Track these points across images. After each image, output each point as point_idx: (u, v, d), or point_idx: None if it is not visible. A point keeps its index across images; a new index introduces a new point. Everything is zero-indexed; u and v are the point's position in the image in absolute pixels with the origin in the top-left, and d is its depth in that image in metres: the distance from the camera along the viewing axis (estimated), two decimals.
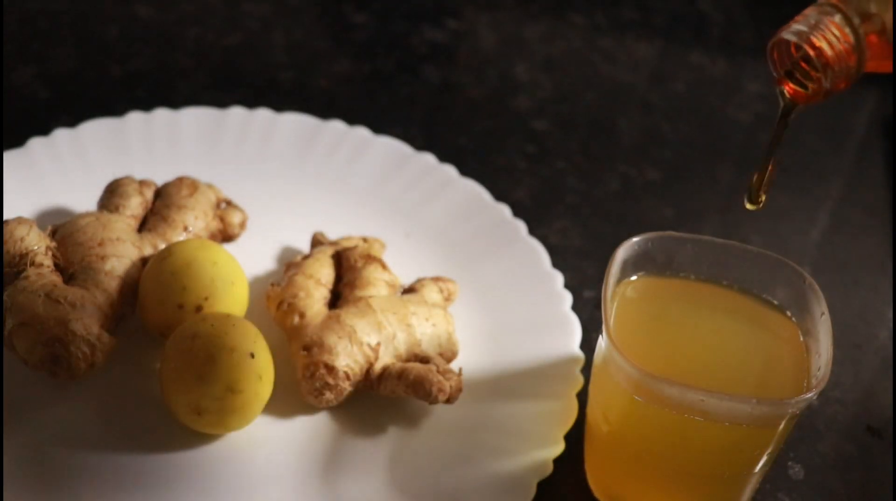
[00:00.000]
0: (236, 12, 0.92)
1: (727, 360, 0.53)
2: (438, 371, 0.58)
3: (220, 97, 0.82)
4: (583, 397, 0.58)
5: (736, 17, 1.00)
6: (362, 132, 0.77)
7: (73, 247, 0.60)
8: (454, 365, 0.61)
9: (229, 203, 0.68)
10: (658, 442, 0.52)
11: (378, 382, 0.59)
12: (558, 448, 0.57)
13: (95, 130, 0.74)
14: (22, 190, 0.69)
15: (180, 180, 0.66)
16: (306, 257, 0.64)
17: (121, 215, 0.63)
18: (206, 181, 0.68)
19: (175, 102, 0.79)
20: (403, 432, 0.59)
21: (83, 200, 0.68)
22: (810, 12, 0.49)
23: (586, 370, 0.60)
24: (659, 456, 0.53)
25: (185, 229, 0.64)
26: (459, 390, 0.58)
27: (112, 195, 0.65)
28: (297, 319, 0.60)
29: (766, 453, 0.51)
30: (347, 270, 0.64)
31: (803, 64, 0.50)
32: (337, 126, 0.77)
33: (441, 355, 0.60)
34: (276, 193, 0.73)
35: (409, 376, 0.57)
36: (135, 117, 0.75)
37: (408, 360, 0.60)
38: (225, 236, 0.67)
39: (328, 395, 0.58)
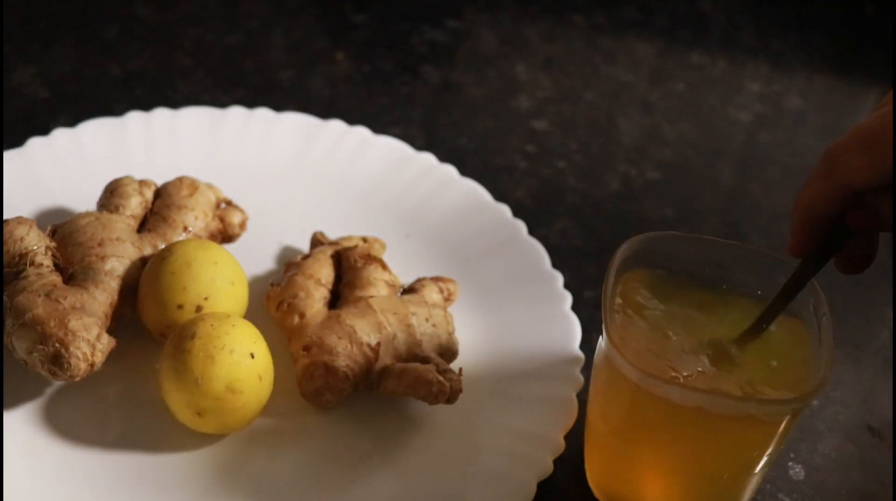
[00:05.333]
0: (236, 12, 0.92)
1: (727, 360, 0.53)
2: (438, 371, 0.58)
3: (220, 97, 0.82)
4: (583, 397, 0.58)
5: (736, 17, 1.00)
6: (362, 132, 0.77)
7: (73, 247, 0.60)
8: (454, 365, 0.61)
9: (229, 203, 0.68)
10: (658, 442, 0.52)
11: (378, 382, 0.59)
12: (558, 448, 0.57)
13: (95, 129, 0.74)
14: (22, 190, 0.69)
15: (180, 180, 0.66)
16: (306, 257, 0.64)
17: (121, 215, 0.63)
18: (206, 181, 0.68)
19: (175, 102, 0.79)
20: (403, 432, 0.59)
21: (83, 200, 0.68)
22: None
23: (586, 370, 0.60)
24: (659, 456, 0.53)
25: (185, 229, 0.64)
26: (459, 390, 0.58)
27: (112, 195, 0.65)
28: (297, 319, 0.60)
29: (767, 453, 0.51)
30: (347, 270, 0.64)
31: None
32: (337, 126, 0.77)
33: (441, 355, 0.60)
34: (276, 193, 0.73)
35: (409, 376, 0.57)
36: (134, 117, 0.75)
37: (408, 360, 0.60)
38: (225, 236, 0.67)
39: (328, 395, 0.58)
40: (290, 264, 0.64)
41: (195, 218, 0.65)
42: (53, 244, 0.60)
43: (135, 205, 0.65)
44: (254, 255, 0.67)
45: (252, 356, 0.55)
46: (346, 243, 0.66)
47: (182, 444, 0.57)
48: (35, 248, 0.59)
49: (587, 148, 0.83)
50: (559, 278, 0.67)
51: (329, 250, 0.65)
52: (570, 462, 0.58)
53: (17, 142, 0.72)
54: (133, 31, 0.89)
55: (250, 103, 0.79)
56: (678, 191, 0.80)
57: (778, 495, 0.59)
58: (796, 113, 0.90)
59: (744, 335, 0.52)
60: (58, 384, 0.59)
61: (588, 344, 0.63)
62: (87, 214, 0.63)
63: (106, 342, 0.56)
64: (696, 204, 0.79)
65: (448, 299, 0.64)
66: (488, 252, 0.69)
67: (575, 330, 0.64)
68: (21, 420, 0.57)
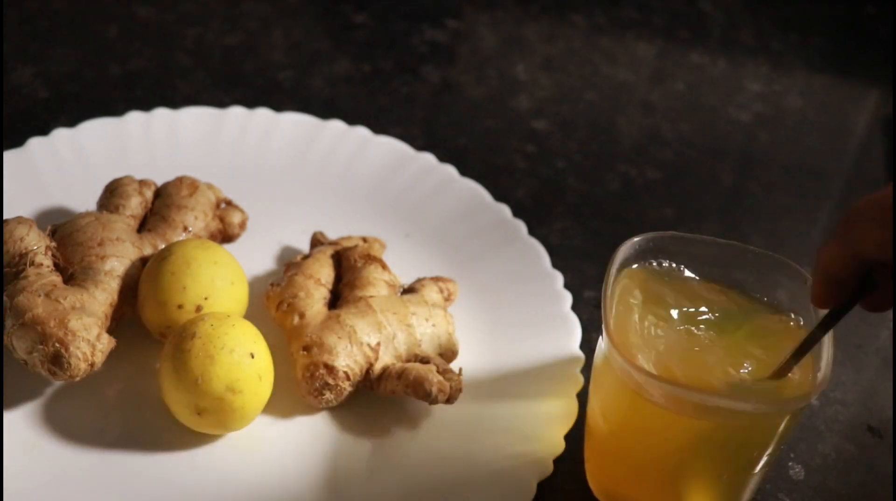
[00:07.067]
0: (236, 12, 0.92)
1: (727, 360, 0.53)
2: (438, 371, 0.58)
3: (219, 97, 0.82)
4: (583, 397, 0.58)
5: (736, 17, 1.00)
6: (362, 132, 0.77)
7: (73, 247, 0.60)
8: (454, 365, 0.61)
9: (229, 203, 0.68)
10: (658, 442, 0.52)
11: (378, 382, 0.59)
12: (558, 448, 0.57)
13: (95, 129, 0.74)
14: (22, 190, 0.69)
15: (180, 180, 0.66)
16: (306, 257, 0.64)
17: (121, 215, 0.63)
18: (206, 181, 0.68)
19: (175, 102, 0.79)
20: (403, 432, 0.59)
21: (83, 200, 0.68)
22: None
23: (586, 370, 0.60)
24: (659, 456, 0.53)
25: (185, 229, 0.64)
26: (459, 390, 0.58)
27: (112, 195, 0.65)
28: (296, 319, 0.60)
29: (767, 453, 0.51)
30: (347, 270, 0.64)
31: None
32: (337, 126, 0.77)
33: (441, 355, 0.60)
34: (276, 193, 0.73)
35: (409, 376, 0.57)
36: (134, 117, 0.75)
37: (408, 360, 0.60)
38: (225, 236, 0.67)
39: (328, 395, 0.58)
40: (290, 264, 0.64)
41: (195, 218, 0.65)
42: (53, 244, 0.60)
43: (135, 205, 0.65)
44: (254, 255, 0.67)
45: (252, 356, 0.55)
46: (346, 243, 0.66)
47: (182, 444, 0.57)
48: (35, 248, 0.59)
49: (587, 148, 0.83)
50: (559, 278, 0.67)
51: (329, 250, 0.65)
52: (570, 462, 0.58)
53: (17, 142, 0.72)
54: (133, 31, 0.89)
55: (250, 103, 0.79)
56: (678, 191, 0.80)
57: (778, 495, 0.59)
58: (796, 113, 0.90)
59: (769, 378, 0.51)
60: (58, 384, 0.59)
61: (588, 344, 0.63)
62: (87, 214, 0.63)
63: (106, 342, 0.56)
64: (696, 204, 0.79)
65: (448, 299, 0.64)
66: (488, 252, 0.69)
67: (575, 330, 0.64)
68: (21, 420, 0.57)
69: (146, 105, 0.78)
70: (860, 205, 0.46)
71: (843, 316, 0.49)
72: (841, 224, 0.47)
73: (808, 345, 0.50)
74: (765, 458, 0.51)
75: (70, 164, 0.72)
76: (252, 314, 0.61)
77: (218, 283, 0.59)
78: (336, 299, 0.63)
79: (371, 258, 0.63)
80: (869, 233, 0.45)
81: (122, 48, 0.87)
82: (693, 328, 0.53)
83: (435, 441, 0.58)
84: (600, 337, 0.53)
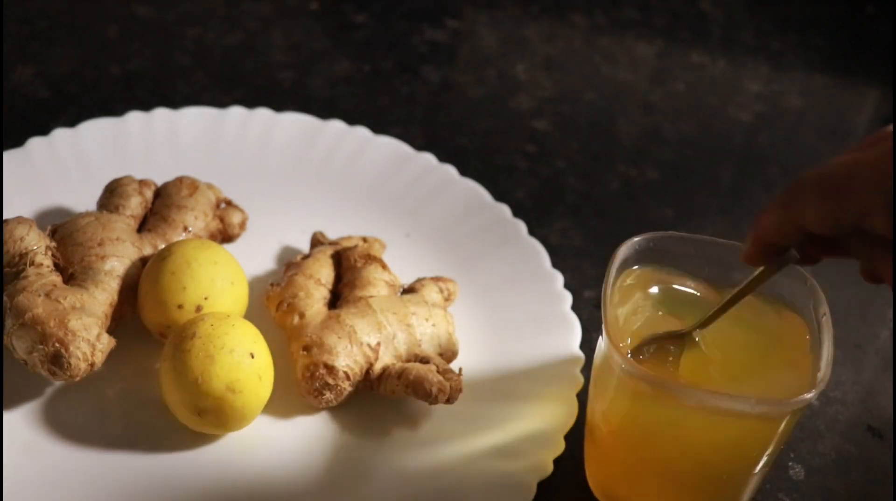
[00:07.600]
0: (236, 12, 0.92)
1: (727, 360, 0.53)
2: (438, 371, 0.58)
3: (219, 97, 0.82)
4: (583, 397, 0.58)
5: (736, 17, 1.00)
6: (362, 132, 0.77)
7: (73, 247, 0.60)
8: (454, 365, 0.61)
9: (229, 203, 0.68)
10: (658, 442, 0.52)
11: (378, 382, 0.59)
12: (558, 448, 0.57)
13: (95, 129, 0.74)
14: (22, 190, 0.69)
15: (180, 180, 0.66)
16: (306, 257, 0.64)
17: (120, 215, 0.63)
18: (206, 181, 0.68)
19: (174, 102, 0.79)
20: (403, 432, 0.59)
21: (83, 200, 0.68)
22: None
23: (586, 370, 0.60)
24: (659, 456, 0.53)
25: (185, 229, 0.64)
26: (459, 390, 0.58)
27: (112, 195, 0.65)
28: (296, 319, 0.60)
29: (767, 453, 0.51)
30: (347, 270, 0.64)
31: None
32: (337, 126, 0.77)
33: (441, 355, 0.60)
34: (276, 193, 0.73)
35: (409, 376, 0.57)
36: (134, 117, 0.75)
37: (408, 360, 0.60)
38: (225, 236, 0.67)
39: (328, 395, 0.58)
40: (290, 264, 0.64)
41: (195, 218, 0.65)
42: (53, 244, 0.60)
43: (135, 205, 0.65)
44: (254, 255, 0.67)
45: (252, 356, 0.55)
46: (346, 243, 0.66)
47: (182, 444, 0.57)
48: (35, 248, 0.59)
49: (587, 148, 0.83)
50: (559, 278, 0.67)
51: (329, 250, 0.65)
52: (570, 462, 0.58)
53: (17, 142, 0.72)
54: (133, 31, 0.89)
55: (250, 103, 0.79)
56: (678, 191, 0.80)
57: (778, 494, 0.59)
58: (796, 113, 0.90)
59: (693, 327, 0.53)
60: (58, 384, 0.59)
61: (588, 344, 0.63)
62: (87, 214, 0.63)
63: (106, 342, 0.56)
64: (696, 204, 0.79)
65: (448, 299, 0.64)
66: (488, 252, 0.69)
67: (575, 330, 0.64)
68: (21, 420, 0.57)
69: (146, 105, 0.78)
70: (806, 176, 0.45)
71: (771, 276, 0.50)
72: (785, 190, 0.46)
73: (731, 303, 0.52)
74: (765, 458, 0.51)
75: (70, 164, 0.72)
76: (252, 314, 0.61)
77: (218, 283, 0.59)
78: (336, 299, 0.63)
79: (371, 258, 0.63)
80: (811, 204, 0.45)
81: (122, 48, 0.87)
82: (691, 329, 0.53)
83: (435, 441, 0.58)
84: (600, 337, 0.53)
